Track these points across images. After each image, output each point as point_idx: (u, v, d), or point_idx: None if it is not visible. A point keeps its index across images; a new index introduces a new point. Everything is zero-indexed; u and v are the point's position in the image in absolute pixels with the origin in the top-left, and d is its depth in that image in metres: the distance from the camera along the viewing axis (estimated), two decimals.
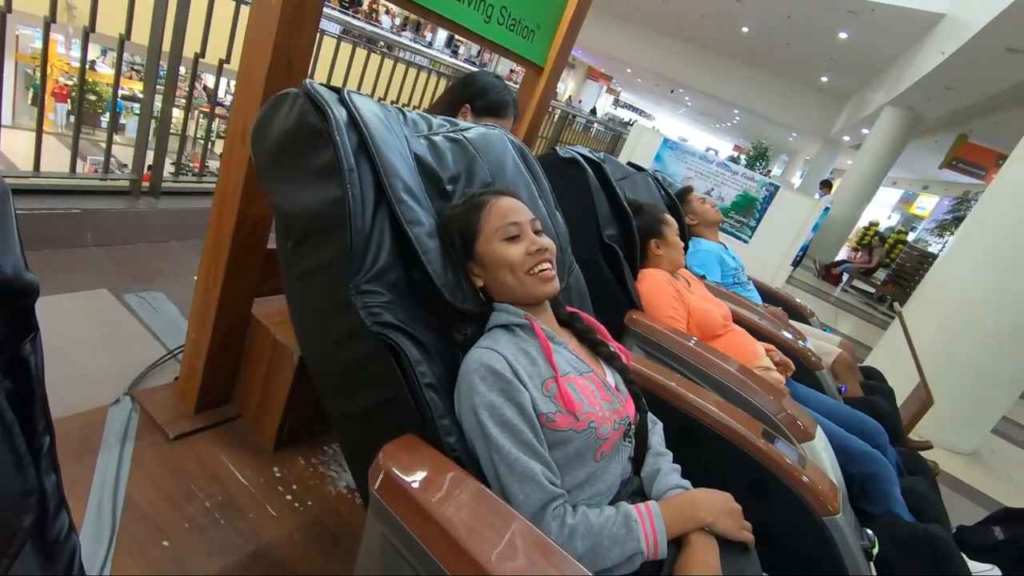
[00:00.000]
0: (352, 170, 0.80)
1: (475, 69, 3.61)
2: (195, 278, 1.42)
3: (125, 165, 2.69)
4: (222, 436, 1.45)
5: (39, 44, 2.26)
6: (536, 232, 0.93)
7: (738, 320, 1.78)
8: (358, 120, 0.84)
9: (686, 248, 2.02)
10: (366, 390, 0.84)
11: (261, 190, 1.20)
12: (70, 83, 6.81)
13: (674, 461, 0.95)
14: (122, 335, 1.68)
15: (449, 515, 0.63)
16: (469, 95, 1.58)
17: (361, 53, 3.09)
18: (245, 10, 2.15)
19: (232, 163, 1.26)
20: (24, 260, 0.40)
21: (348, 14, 10.78)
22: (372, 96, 2.94)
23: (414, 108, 3.20)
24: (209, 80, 3.77)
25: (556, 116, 5.68)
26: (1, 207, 0.40)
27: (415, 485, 0.67)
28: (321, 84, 0.88)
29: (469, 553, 0.58)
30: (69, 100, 6.88)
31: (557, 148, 1.69)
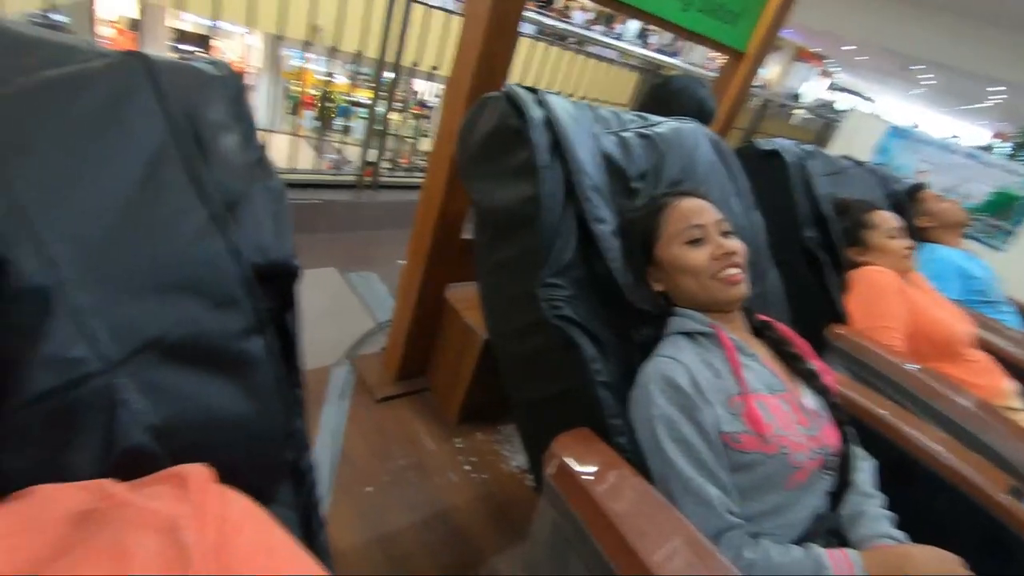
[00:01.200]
0: (545, 168, 0.84)
1: (666, 59, 3.48)
2: (400, 262, 1.62)
3: (349, 162, 3.15)
4: (416, 404, 1.64)
5: (296, 62, 2.74)
6: (724, 234, 0.87)
7: (984, 347, 1.46)
8: (553, 120, 0.88)
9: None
10: (543, 380, 0.88)
11: (461, 186, 1.32)
12: (315, 93, 8.21)
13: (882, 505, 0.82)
14: (344, 308, 1.99)
15: (620, 512, 0.63)
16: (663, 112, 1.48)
17: (553, 51, 3.18)
18: (453, 20, 2.36)
19: (438, 161, 1.40)
20: (292, 247, 0.50)
21: (543, 13, 11.16)
22: (562, 93, 3.03)
23: (603, 104, 3.21)
24: (417, 85, 4.21)
25: (756, 104, 5.22)
26: (280, 202, 0.50)
27: (587, 477, 0.68)
28: (520, 86, 0.93)
29: (637, 553, 0.58)
30: (315, 108, 8.29)
31: (755, 140, 1.56)
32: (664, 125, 1.13)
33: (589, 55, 3.42)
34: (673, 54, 9.99)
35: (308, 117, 8.46)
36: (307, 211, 2.33)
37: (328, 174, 2.51)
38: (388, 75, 2.45)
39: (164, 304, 0.40)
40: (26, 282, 0.37)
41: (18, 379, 0.35)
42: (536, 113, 0.87)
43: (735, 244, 0.86)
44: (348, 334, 1.83)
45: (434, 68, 2.50)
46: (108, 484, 0.33)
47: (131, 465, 0.37)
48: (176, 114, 0.45)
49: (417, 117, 3.25)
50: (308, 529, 0.50)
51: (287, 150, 2.43)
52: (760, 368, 0.82)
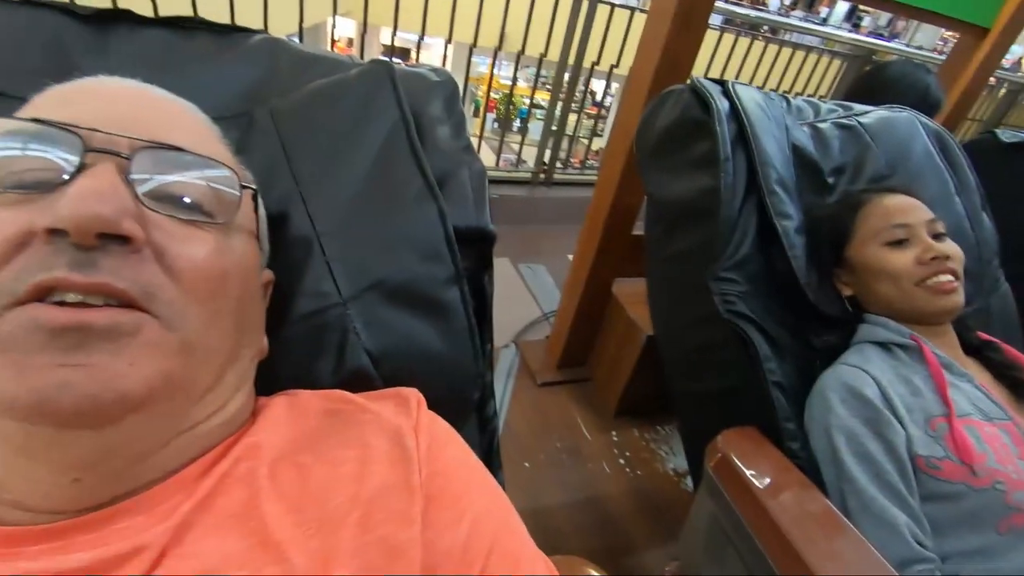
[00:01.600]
0: (728, 159, 0.82)
1: (883, 43, 3.06)
2: (569, 256, 1.68)
3: (524, 161, 3.31)
4: (575, 392, 1.69)
5: (483, 69, 2.95)
6: (936, 236, 0.77)
7: None
8: (739, 110, 0.85)
9: None
10: (711, 375, 0.86)
11: (634, 181, 1.33)
12: (497, 97, 8.76)
13: None
14: (513, 296, 2.12)
15: (787, 516, 0.60)
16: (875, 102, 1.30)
17: (743, 43, 2.99)
18: (637, 18, 2.35)
19: (613, 157, 1.43)
20: (490, 217, 0.58)
21: (732, 2, 10.46)
22: (759, 86, 2.83)
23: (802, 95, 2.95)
24: (595, 85, 4.24)
25: (1000, 91, 4.29)
26: (481, 181, 0.58)
27: (751, 474, 0.67)
28: (707, 78, 0.92)
29: (805, 559, 0.55)
30: (495, 110, 8.85)
31: (997, 131, 1.31)
32: (871, 115, 1.02)
33: (784, 44, 3.14)
34: (891, 37, 8.68)
35: (488, 120, 9.07)
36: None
37: (505, 171, 2.67)
38: (570, 77, 2.53)
39: (387, 254, 0.50)
40: (296, 232, 0.49)
41: (290, 303, 0.47)
42: (722, 103, 0.86)
43: (949, 248, 0.76)
44: (516, 320, 1.95)
45: (613, 67, 2.53)
46: (347, 394, 0.43)
47: (354, 382, 0.46)
48: (406, 105, 0.55)
49: (592, 117, 3.29)
50: (488, 468, 0.57)
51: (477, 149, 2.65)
52: (973, 391, 0.72)
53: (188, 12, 1.73)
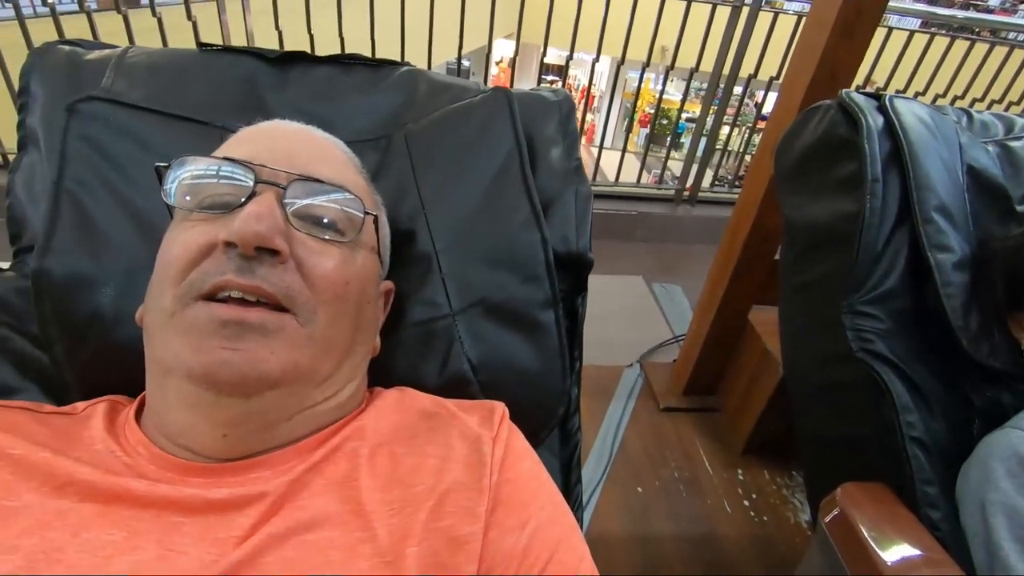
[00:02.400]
0: (876, 181, 0.74)
1: None
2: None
3: (677, 177, 3.20)
4: (700, 422, 1.60)
5: (637, 83, 2.92)
6: None
7: None
8: (895, 127, 0.76)
9: None
10: (840, 419, 0.78)
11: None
12: (652, 111, 8.59)
13: None
14: (644, 315, 2.07)
15: None
16: None
17: (940, 43, 2.58)
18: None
19: (757, 175, 1.34)
20: (589, 243, 0.59)
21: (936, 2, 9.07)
22: (963, 98, 2.44)
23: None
24: (760, 97, 3.97)
25: None
26: (585, 205, 0.60)
27: (874, 539, 0.59)
28: (860, 92, 0.84)
29: None
30: (649, 125, 8.69)
31: None
32: None
33: (1003, 43, 2.65)
34: None
35: (642, 134, 8.91)
36: (624, 221, 2.49)
37: (647, 187, 2.62)
38: (724, 89, 2.41)
39: (492, 273, 0.54)
40: (419, 248, 0.55)
41: (408, 310, 0.53)
42: (873, 120, 0.77)
43: None
44: (644, 340, 1.90)
45: (774, 78, 2.36)
46: (445, 401, 0.47)
47: (453, 384, 0.51)
48: (520, 132, 0.59)
49: (752, 131, 3.09)
50: (567, 480, 0.58)
51: (616, 165, 2.64)
52: None
53: (364, 49, 1.98)
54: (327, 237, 0.41)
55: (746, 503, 1.39)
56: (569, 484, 0.58)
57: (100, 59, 0.58)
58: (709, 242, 2.53)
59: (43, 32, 1.52)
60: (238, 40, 1.99)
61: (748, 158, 3.22)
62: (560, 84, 5.49)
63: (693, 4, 2.24)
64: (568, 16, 2.19)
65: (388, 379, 0.50)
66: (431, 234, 0.55)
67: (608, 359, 1.81)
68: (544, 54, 2.38)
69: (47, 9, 1.70)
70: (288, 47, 1.87)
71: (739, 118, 2.62)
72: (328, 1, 2.04)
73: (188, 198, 0.40)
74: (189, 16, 1.78)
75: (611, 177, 2.71)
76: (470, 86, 0.66)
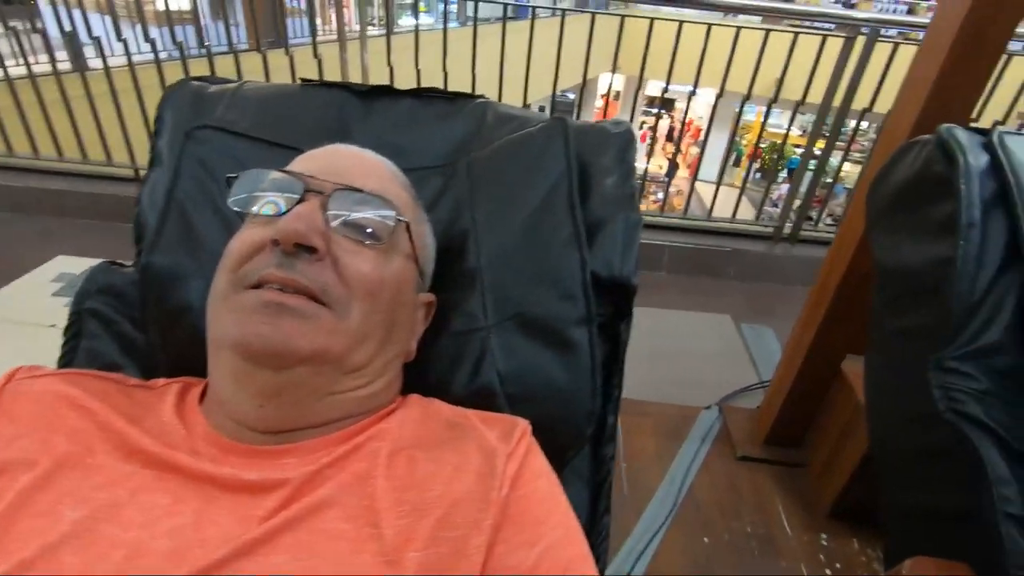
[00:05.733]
0: (973, 225, 0.67)
1: None
2: None
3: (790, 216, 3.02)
4: (781, 476, 1.48)
5: (746, 116, 2.82)
6: None
7: None
8: (1003, 165, 0.69)
9: None
10: (925, 486, 0.69)
11: None
12: (764, 146, 8.18)
13: None
14: (729, 355, 1.97)
15: None
16: None
17: None
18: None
19: (856, 213, 1.24)
20: (635, 269, 0.59)
21: None
22: None
23: None
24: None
25: None
26: (633, 233, 0.60)
27: None
28: (967, 128, 0.76)
29: None
30: (761, 159, 8.28)
31: None
32: None
33: None
34: None
35: (751, 169, 8.52)
36: (716, 257, 2.39)
37: (743, 222, 2.50)
38: (833, 123, 2.27)
39: (530, 289, 0.55)
40: (466, 264, 0.58)
41: (448, 320, 0.56)
42: (975, 158, 0.70)
43: None
44: (726, 383, 1.80)
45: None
46: (467, 411, 0.49)
47: (481, 395, 0.52)
48: (573, 158, 0.60)
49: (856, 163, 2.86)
50: (594, 508, 0.57)
51: (723, 199, 2.55)
52: None
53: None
54: (364, 240, 0.45)
55: (828, 572, 1.26)
56: (597, 512, 0.57)
57: (219, 92, 0.68)
58: (808, 284, 2.36)
59: (196, 69, 1.78)
60: (355, 75, 2.20)
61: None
62: (664, 116, 5.41)
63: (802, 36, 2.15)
64: (681, 50, 2.18)
65: (421, 385, 0.53)
66: (478, 251, 0.58)
67: (685, 399, 1.73)
68: (640, 87, 2.39)
69: (203, 50, 2.00)
70: (397, 80, 2.06)
71: (851, 153, 2.44)
72: (435, 39, 2.20)
73: (250, 205, 0.46)
74: (315, 54, 2.01)
75: (722, 212, 2.60)
76: (532, 116, 0.69)
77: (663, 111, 3.79)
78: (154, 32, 2.01)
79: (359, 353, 0.45)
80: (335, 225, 0.44)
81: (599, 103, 9.95)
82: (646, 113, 9.82)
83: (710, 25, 2.20)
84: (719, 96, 2.21)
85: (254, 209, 0.46)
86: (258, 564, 0.36)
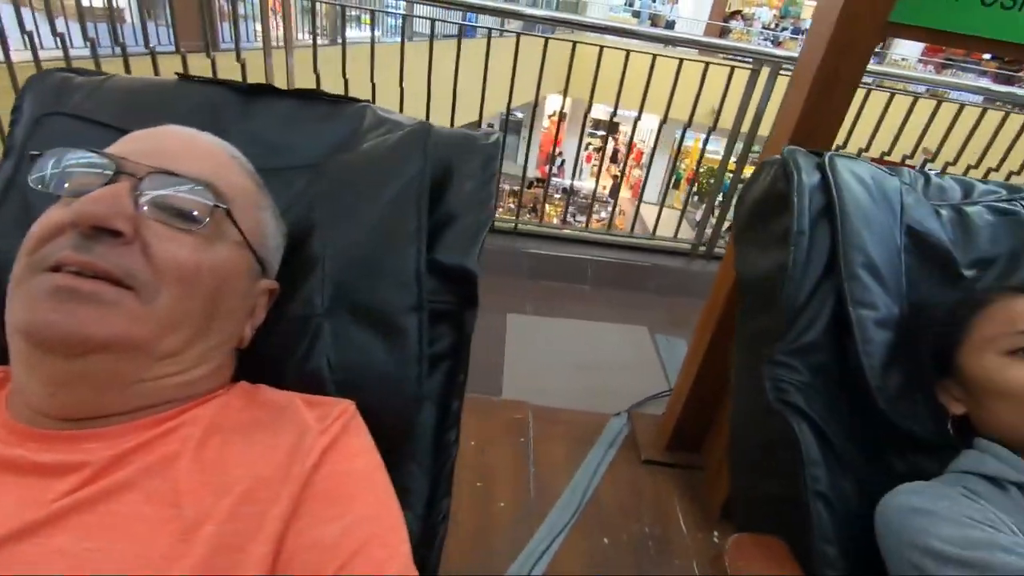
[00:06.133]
0: (803, 233, 0.75)
1: None
2: None
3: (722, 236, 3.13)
4: (681, 478, 1.55)
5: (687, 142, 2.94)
6: None
7: None
8: (829, 183, 0.77)
9: None
10: (764, 474, 0.76)
11: None
12: (703, 171, 8.63)
13: None
14: (644, 365, 2.05)
15: None
16: None
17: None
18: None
19: None
20: (476, 260, 0.62)
21: (1005, 71, 8.80)
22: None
23: None
24: None
25: None
26: (481, 230, 0.64)
27: None
28: (807, 150, 0.85)
29: None
30: (697, 183, 8.71)
31: None
32: None
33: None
34: None
35: (690, 191, 8.92)
36: (638, 271, 2.49)
37: (662, 239, 2.62)
38: (743, 147, 2.43)
39: (367, 278, 0.57)
40: (313, 253, 0.59)
41: (288, 307, 0.57)
42: (808, 177, 0.78)
43: None
44: (638, 391, 1.87)
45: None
46: (295, 395, 0.50)
47: (311, 380, 0.54)
48: (429, 160, 0.63)
49: None
50: (434, 491, 0.59)
51: (661, 220, 2.68)
52: None
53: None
54: (179, 225, 0.44)
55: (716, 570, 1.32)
56: (436, 494, 0.59)
57: (84, 83, 0.68)
58: None
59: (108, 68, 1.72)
60: (280, 84, 2.18)
61: None
62: (608, 139, 5.61)
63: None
64: (629, 77, 2.27)
65: (256, 368, 0.54)
66: (324, 243, 0.59)
67: (599, 407, 1.78)
68: (589, 109, 2.46)
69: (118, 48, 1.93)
70: (352, 93, 2.02)
71: None
72: (393, 52, 2.21)
73: (55, 184, 0.45)
74: (238, 58, 1.98)
75: (662, 232, 2.71)
76: (405, 121, 0.72)
77: (608, 135, 3.94)
78: (81, 28, 1.92)
79: (171, 340, 0.44)
80: (146, 209, 0.43)
81: (546, 122, 10.20)
82: (591, 135, 10.13)
83: (655, 55, 2.30)
84: (663, 123, 2.32)
85: (56, 188, 0.44)
86: (38, 547, 0.36)
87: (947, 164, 2.46)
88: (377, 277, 0.57)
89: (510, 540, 1.32)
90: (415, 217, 0.59)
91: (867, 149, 2.36)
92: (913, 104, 2.35)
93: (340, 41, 2.19)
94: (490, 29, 2.38)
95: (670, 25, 10.61)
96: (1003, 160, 2.42)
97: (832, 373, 0.71)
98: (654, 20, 10.91)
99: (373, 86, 2.18)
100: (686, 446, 1.60)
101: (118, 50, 1.90)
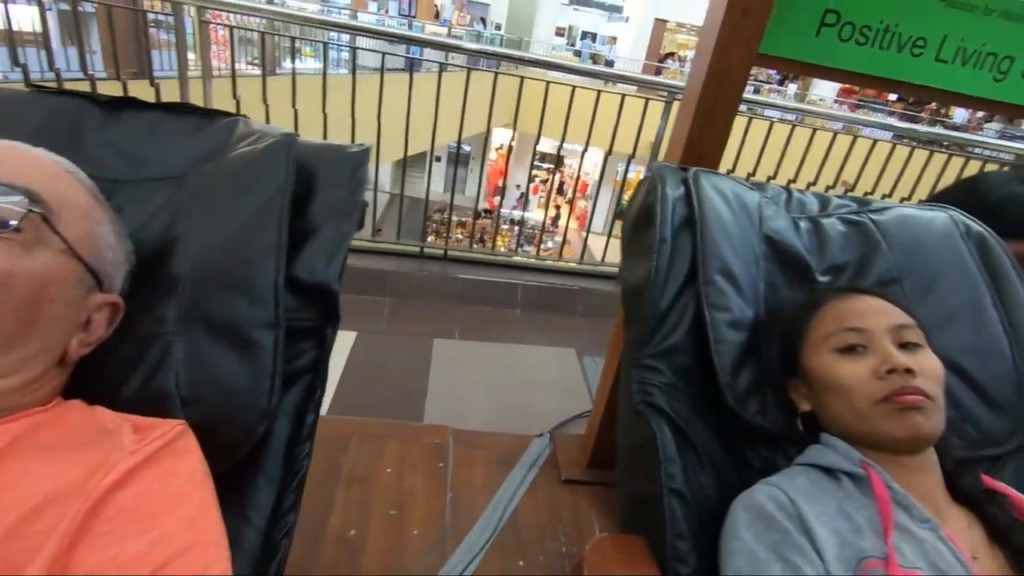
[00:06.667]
0: (664, 241, 0.78)
1: None
2: None
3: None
4: (599, 496, 1.56)
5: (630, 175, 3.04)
6: (904, 345, 0.63)
7: None
8: (691, 196, 0.81)
9: None
10: (636, 476, 0.77)
11: None
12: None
13: None
14: (570, 386, 2.06)
15: None
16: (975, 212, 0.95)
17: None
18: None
19: None
20: (339, 275, 0.62)
21: (909, 112, 9.67)
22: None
23: None
24: None
25: None
26: (341, 241, 0.64)
27: None
28: (676, 166, 0.90)
29: None
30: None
31: None
32: (891, 211, 0.90)
33: (973, 158, 2.78)
34: None
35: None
36: (566, 295, 2.54)
37: (589, 264, 2.69)
38: None
39: (223, 294, 0.56)
40: (172, 270, 0.58)
41: (138, 323, 0.56)
42: (672, 190, 0.83)
43: (921, 361, 0.62)
44: (563, 411, 1.88)
45: (728, 171, 2.49)
46: (128, 417, 0.49)
47: (153, 400, 0.52)
48: (291, 171, 0.64)
49: None
50: (279, 504, 0.57)
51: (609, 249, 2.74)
52: (935, 542, 0.56)
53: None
54: None
55: None
56: (281, 508, 0.58)
57: None
58: None
59: None
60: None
61: None
62: (555, 172, 5.75)
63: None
64: (571, 111, 2.36)
65: (97, 386, 0.52)
66: (184, 259, 0.59)
67: (523, 429, 1.78)
68: (537, 142, 2.53)
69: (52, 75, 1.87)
70: (302, 125, 2.01)
71: None
72: (344, 84, 2.21)
73: None
74: (152, 82, 1.94)
75: (606, 259, 2.77)
76: (270, 132, 0.72)
77: (554, 167, 4.05)
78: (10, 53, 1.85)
79: None
80: None
81: (493, 155, 10.40)
82: (537, 167, 10.38)
83: (599, 91, 2.39)
84: (607, 155, 2.40)
85: None
86: None
87: (866, 193, 2.65)
88: (234, 292, 0.56)
89: (422, 567, 1.29)
90: (275, 231, 0.59)
91: (795, 180, 2.51)
92: (833, 140, 2.54)
93: (278, 72, 2.19)
94: (441, 64, 2.43)
95: (610, 64, 11.14)
96: (913, 191, 2.65)
97: (695, 374, 0.74)
98: (594, 59, 11.43)
99: (325, 116, 2.17)
100: (605, 463, 1.61)
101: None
